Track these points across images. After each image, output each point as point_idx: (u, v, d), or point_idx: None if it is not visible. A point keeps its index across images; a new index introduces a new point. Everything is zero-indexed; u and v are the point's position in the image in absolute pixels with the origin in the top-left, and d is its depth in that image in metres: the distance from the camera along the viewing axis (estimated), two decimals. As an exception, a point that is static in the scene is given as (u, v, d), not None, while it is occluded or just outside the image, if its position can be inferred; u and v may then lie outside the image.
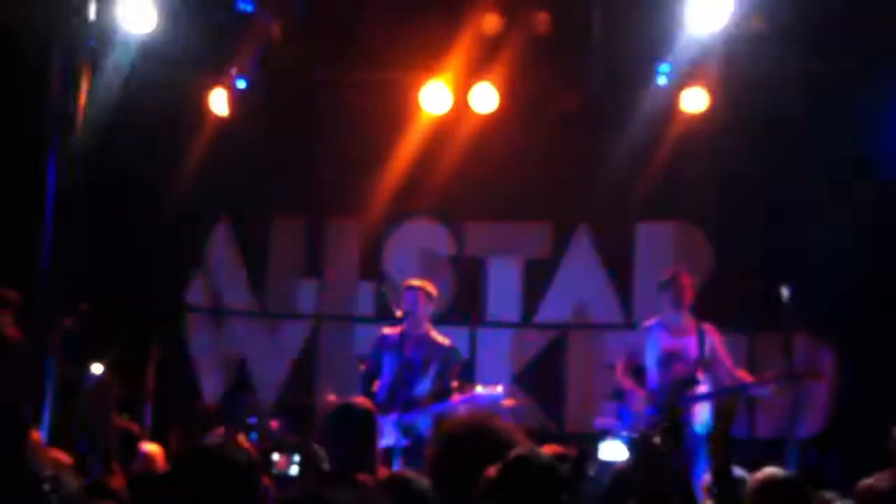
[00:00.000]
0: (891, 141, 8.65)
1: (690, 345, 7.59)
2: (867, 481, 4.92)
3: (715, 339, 7.66)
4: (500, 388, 7.54)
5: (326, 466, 5.25)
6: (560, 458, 5.55)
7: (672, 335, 7.67)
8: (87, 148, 8.13)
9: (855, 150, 8.84)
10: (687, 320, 7.71)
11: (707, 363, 7.54)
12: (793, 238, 9.11)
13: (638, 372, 7.85)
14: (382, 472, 4.91)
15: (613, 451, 7.01)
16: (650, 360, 7.70)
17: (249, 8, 8.61)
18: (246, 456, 3.03)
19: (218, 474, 2.84)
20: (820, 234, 8.97)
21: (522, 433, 3.87)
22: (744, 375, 7.54)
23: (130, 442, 5.08)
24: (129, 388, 8.83)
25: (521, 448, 3.39)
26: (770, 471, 4.26)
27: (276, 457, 7.32)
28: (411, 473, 3.80)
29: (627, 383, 7.80)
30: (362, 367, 7.97)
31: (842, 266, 8.77)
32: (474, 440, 3.71)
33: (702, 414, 7.52)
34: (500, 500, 3.20)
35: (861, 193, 8.82)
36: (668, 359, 7.61)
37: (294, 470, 7.20)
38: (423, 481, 3.69)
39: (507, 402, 7.66)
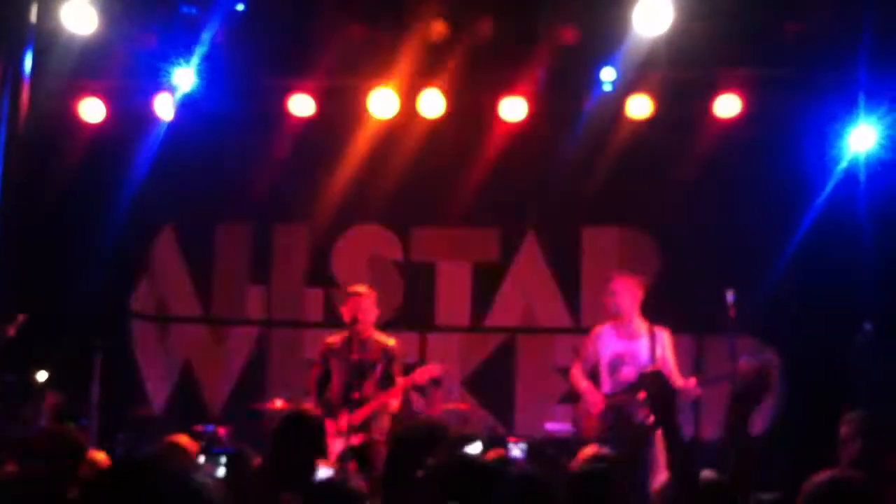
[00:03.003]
0: (833, 145, 8.79)
1: (640, 349, 7.64)
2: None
3: (665, 343, 7.69)
4: (435, 366, 7.77)
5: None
6: (503, 461, 5.60)
7: (621, 339, 7.72)
8: (30, 154, 8.06)
9: (797, 155, 8.97)
10: (637, 324, 7.75)
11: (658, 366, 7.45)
12: (738, 242, 9.21)
13: (592, 377, 7.89)
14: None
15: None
16: (602, 366, 7.75)
17: (193, 10, 8.55)
18: (185, 466, 2.97)
19: (147, 486, 2.77)
20: (764, 238, 9.10)
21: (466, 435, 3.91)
22: (685, 381, 7.53)
23: (77, 450, 5.00)
24: (74, 396, 8.76)
25: (451, 447, 3.41)
26: (707, 474, 4.27)
27: (201, 459, 7.28)
28: (343, 476, 3.82)
29: (583, 386, 7.80)
30: (313, 374, 8.00)
31: (786, 269, 8.91)
32: (422, 439, 3.75)
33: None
34: (430, 495, 3.22)
35: (804, 198, 8.97)
36: (617, 363, 7.67)
37: (221, 471, 7.17)
38: (356, 483, 3.71)
39: (436, 373, 7.80)
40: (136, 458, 2.87)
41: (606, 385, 7.70)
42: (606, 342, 7.75)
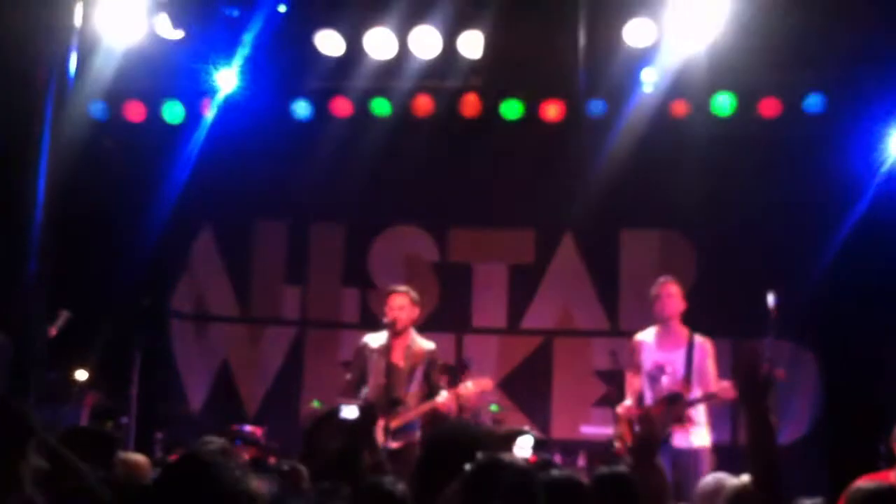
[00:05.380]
0: (875, 147, 8.72)
1: (679, 359, 7.48)
2: (856, 483, 4.91)
3: (705, 353, 7.53)
4: (487, 382, 7.68)
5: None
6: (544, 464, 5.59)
7: (661, 350, 7.57)
8: (74, 153, 8.12)
9: (839, 157, 8.91)
10: (676, 332, 7.60)
11: (692, 378, 7.37)
12: (778, 245, 9.16)
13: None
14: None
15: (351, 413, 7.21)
16: (643, 376, 7.58)
17: (235, 12, 8.61)
18: (239, 467, 2.99)
19: (209, 485, 2.79)
20: (805, 241, 9.05)
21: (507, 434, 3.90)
22: (719, 385, 7.43)
23: (108, 447, 5.04)
24: (114, 395, 8.85)
25: (490, 452, 3.40)
26: (748, 477, 4.25)
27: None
28: (389, 480, 3.81)
29: (628, 394, 7.64)
30: (348, 376, 7.97)
31: (826, 272, 8.85)
32: (456, 443, 3.73)
33: (697, 428, 7.37)
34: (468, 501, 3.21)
35: (846, 200, 8.91)
36: (656, 374, 7.50)
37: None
38: (400, 487, 3.71)
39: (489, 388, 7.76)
40: (199, 456, 2.89)
41: (647, 395, 7.54)
42: (647, 352, 7.60)
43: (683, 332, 7.57)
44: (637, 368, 7.64)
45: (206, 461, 2.83)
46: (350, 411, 7.32)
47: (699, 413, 7.38)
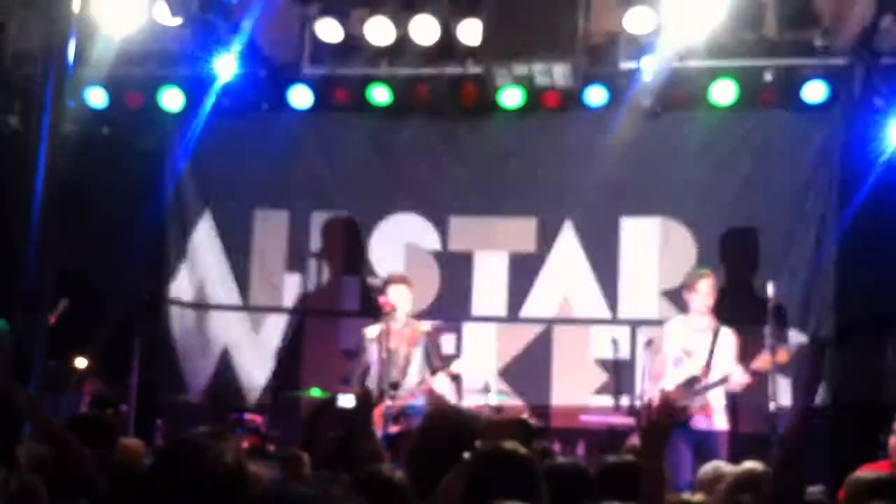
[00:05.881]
0: (874, 137, 8.70)
1: (703, 345, 7.81)
2: (855, 474, 4.92)
3: (728, 342, 7.87)
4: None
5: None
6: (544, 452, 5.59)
7: (688, 335, 7.93)
8: (73, 141, 8.11)
9: (838, 146, 8.90)
10: (708, 321, 7.93)
11: (715, 364, 7.74)
12: (777, 235, 9.15)
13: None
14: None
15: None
16: (668, 358, 7.96)
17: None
18: (233, 451, 2.97)
19: (202, 469, 2.78)
20: (804, 230, 9.03)
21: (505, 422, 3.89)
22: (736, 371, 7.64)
23: (108, 434, 5.06)
24: (113, 383, 8.85)
25: (489, 441, 3.40)
26: (750, 465, 4.27)
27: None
28: (387, 467, 3.81)
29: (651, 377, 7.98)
30: (355, 364, 8.03)
31: (825, 264, 8.85)
32: (453, 431, 3.73)
33: (716, 413, 7.74)
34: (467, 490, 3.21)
35: (845, 190, 8.89)
36: (681, 357, 7.87)
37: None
38: (398, 475, 3.70)
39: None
40: (191, 441, 2.88)
41: (670, 379, 7.86)
42: (676, 336, 8.00)
43: (712, 321, 7.92)
44: (662, 351, 8.00)
45: (197, 444, 2.82)
46: (347, 400, 7.37)
47: (717, 398, 7.77)
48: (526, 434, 6.00)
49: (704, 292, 7.90)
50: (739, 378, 7.62)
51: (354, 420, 7.26)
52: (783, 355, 7.40)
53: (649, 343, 8.24)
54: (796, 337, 8.88)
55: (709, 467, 5.00)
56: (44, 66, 6.89)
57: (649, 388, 7.90)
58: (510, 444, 3.36)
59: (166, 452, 2.94)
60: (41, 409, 4.09)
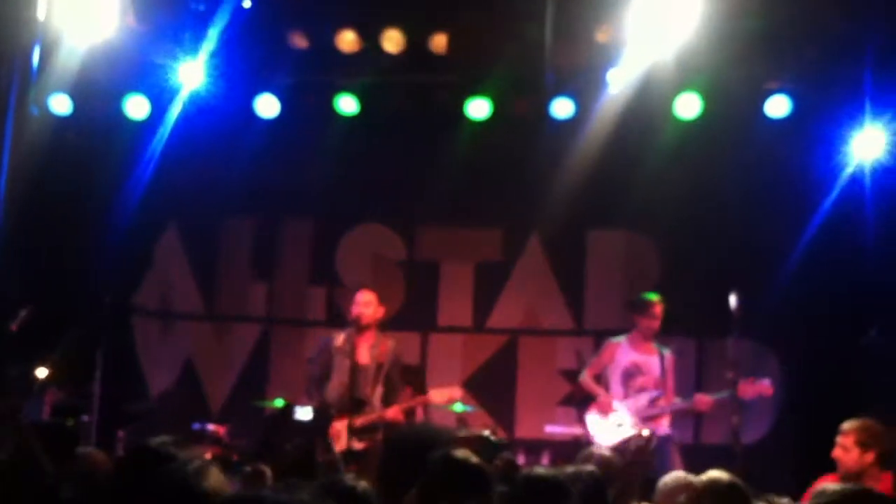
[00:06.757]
0: (838, 151, 8.79)
1: (654, 362, 8.29)
2: (820, 485, 4.95)
3: (670, 362, 8.37)
4: (456, 392, 7.84)
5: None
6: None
7: (637, 352, 8.35)
8: (39, 150, 8.05)
9: (803, 160, 8.97)
10: (652, 341, 8.38)
11: (663, 381, 8.28)
12: (741, 247, 9.21)
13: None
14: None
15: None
16: (614, 374, 8.32)
17: (202, 6, 8.55)
18: (195, 457, 2.96)
19: (164, 477, 2.77)
20: (769, 243, 9.10)
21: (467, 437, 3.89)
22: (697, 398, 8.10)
23: (69, 443, 5.01)
24: (76, 392, 8.77)
25: (449, 449, 3.39)
26: (714, 474, 4.28)
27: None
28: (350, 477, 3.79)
29: (597, 389, 8.39)
30: (311, 372, 7.98)
31: (790, 275, 8.92)
32: (418, 444, 3.72)
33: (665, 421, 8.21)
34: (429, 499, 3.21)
35: (809, 203, 8.97)
36: (633, 372, 8.27)
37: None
38: (361, 484, 3.69)
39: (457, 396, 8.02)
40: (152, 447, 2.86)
41: (619, 391, 8.28)
42: (624, 352, 8.35)
43: (653, 342, 8.40)
44: (597, 366, 8.47)
45: (159, 452, 2.81)
46: (304, 412, 7.33)
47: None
48: (489, 451, 6.02)
49: (657, 317, 8.28)
50: (703, 406, 8.11)
51: (310, 432, 7.23)
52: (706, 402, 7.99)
53: (578, 354, 9.08)
54: (758, 349, 8.95)
55: (670, 478, 5.00)
56: (7, 72, 6.84)
57: (588, 373, 8.47)
58: (461, 453, 3.36)
59: (126, 461, 2.92)
60: (18, 417, 4.05)
